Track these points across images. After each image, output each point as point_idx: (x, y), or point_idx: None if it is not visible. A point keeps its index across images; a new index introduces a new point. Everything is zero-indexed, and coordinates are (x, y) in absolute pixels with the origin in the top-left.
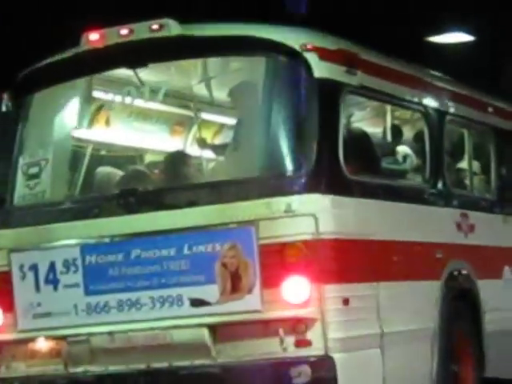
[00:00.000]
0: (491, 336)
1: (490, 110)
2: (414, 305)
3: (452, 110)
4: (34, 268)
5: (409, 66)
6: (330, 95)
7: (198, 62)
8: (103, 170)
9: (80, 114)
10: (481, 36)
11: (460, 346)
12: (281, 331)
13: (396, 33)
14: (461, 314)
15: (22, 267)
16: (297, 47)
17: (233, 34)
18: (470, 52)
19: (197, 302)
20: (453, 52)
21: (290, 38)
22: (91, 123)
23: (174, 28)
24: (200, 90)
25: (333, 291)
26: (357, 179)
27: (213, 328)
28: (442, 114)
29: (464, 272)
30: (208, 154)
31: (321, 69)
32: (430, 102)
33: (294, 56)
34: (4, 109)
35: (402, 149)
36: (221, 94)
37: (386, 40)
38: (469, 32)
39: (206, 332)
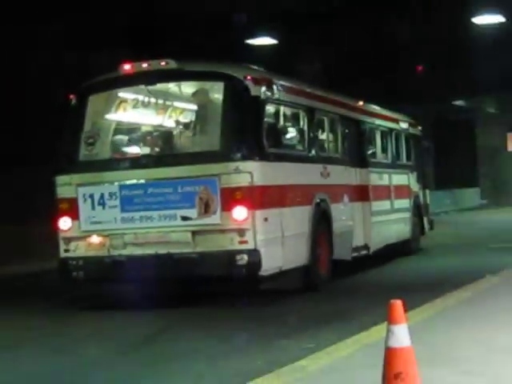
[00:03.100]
0: (336, 234)
1: (336, 103)
2: (299, 219)
3: (319, 106)
4: (91, 196)
5: (301, 84)
6: (259, 105)
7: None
8: (125, 138)
9: (111, 107)
10: (281, 40)
11: (321, 240)
12: (231, 235)
13: (218, 38)
14: (321, 223)
15: (84, 195)
16: (241, 78)
17: (205, 69)
18: (273, 54)
19: (185, 218)
20: (263, 53)
21: (238, 72)
22: (116, 111)
23: (173, 64)
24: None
25: (260, 214)
26: (272, 151)
27: (193, 232)
28: (313, 110)
29: (324, 200)
30: (179, 127)
31: (254, 90)
32: (308, 103)
33: (239, 83)
34: (73, 104)
35: (291, 130)
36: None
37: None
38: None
39: (189, 234)
